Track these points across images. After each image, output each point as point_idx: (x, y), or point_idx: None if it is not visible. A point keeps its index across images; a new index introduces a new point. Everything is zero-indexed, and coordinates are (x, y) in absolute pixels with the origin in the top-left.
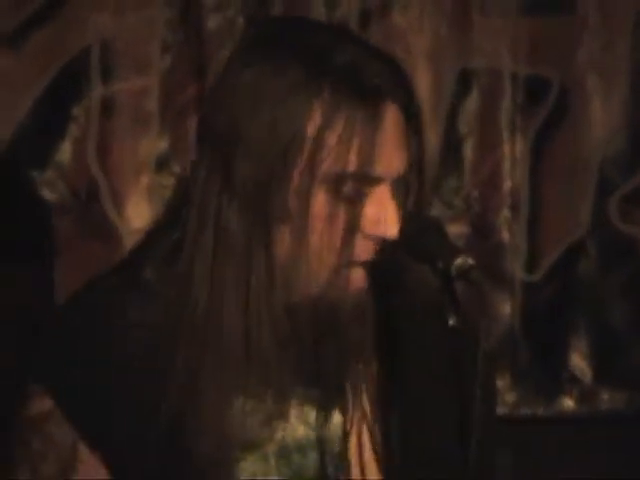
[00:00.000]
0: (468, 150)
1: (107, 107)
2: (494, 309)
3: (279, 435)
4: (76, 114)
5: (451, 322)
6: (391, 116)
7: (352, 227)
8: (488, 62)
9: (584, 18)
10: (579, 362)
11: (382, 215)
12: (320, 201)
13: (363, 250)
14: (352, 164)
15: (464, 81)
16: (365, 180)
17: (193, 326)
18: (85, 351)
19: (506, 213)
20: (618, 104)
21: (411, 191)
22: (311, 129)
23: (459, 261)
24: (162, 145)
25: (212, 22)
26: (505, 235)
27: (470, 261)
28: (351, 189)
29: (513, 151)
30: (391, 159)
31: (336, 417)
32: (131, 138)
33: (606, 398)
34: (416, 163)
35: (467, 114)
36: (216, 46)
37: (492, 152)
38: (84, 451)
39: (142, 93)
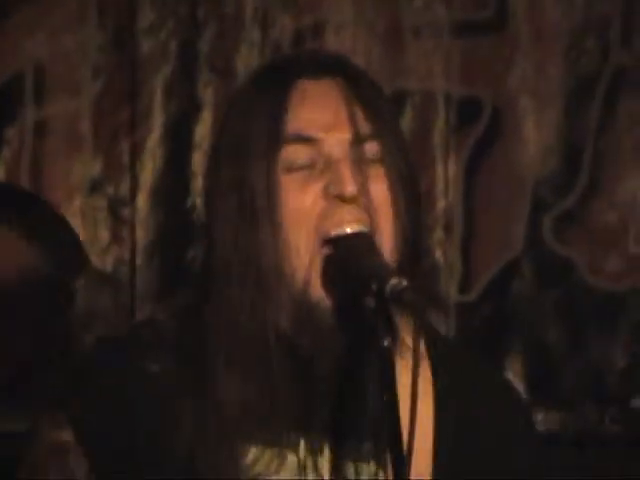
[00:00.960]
0: None
1: (40, 130)
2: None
3: None
4: (9, 137)
5: (385, 343)
6: (316, 88)
7: (312, 191)
8: (421, 83)
9: (516, 40)
10: (514, 381)
11: (335, 176)
12: (282, 180)
13: (337, 217)
14: (286, 130)
15: (398, 101)
16: (302, 140)
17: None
18: (107, 392)
19: (440, 233)
20: (551, 125)
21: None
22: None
23: (393, 282)
24: (95, 168)
25: (145, 46)
26: (439, 255)
27: (404, 282)
28: (299, 157)
29: (446, 171)
30: (322, 121)
31: (370, 469)
32: (64, 161)
33: (541, 418)
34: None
35: None
36: (149, 69)
37: (425, 172)
38: None
39: (75, 116)
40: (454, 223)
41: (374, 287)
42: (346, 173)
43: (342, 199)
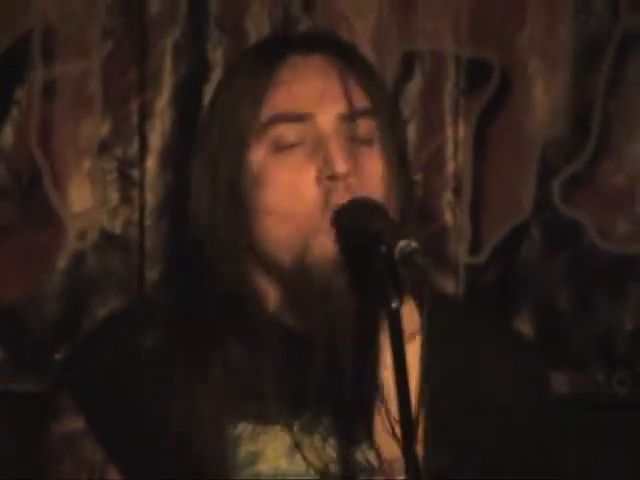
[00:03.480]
0: (411, 133)
1: (49, 91)
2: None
3: (301, 467)
4: (18, 98)
5: (394, 305)
6: (308, 63)
7: (303, 173)
8: (431, 45)
9: (525, 1)
10: None
11: (326, 156)
12: (266, 162)
13: (325, 195)
14: (273, 109)
15: (407, 64)
16: (292, 119)
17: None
18: (110, 373)
19: (449, 196)
20: (560, 87)
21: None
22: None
23: (402, 244)
24: (104, 129)
25: (154, 7)
26: (448, 218)
27: (414, 244)
28: (289, 135)
29: (456, 134)
30: (313, 95)
31: (365, 450)
32: (73, 122)
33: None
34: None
35: (410, 97)
36: (158, 31)
37: (435, 135)
38: (114, 472)
39: (84, 77)
40: (463, 186)
41: (383, 249)
42: (337, 151)
43: (334, 179)
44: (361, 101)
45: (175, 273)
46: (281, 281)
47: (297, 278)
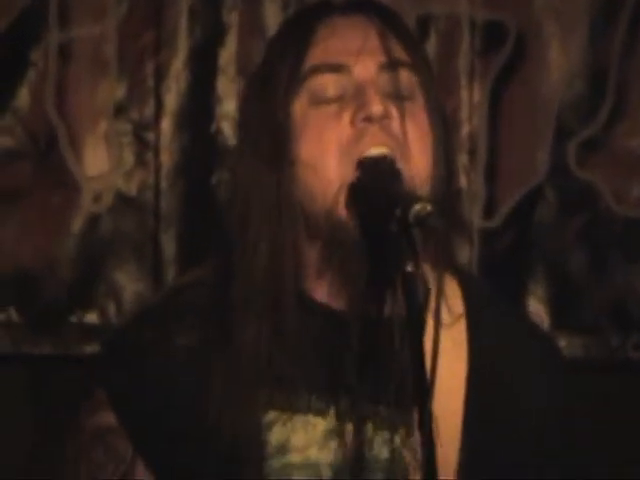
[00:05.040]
0: None
1: (65, 53)
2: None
3: (332, 456)
4: (34, 59)
5: (409, 269)
6: (347, 22)
7: (339, 117)
8: (446, 7)
9: None
10: (537, 308)
11: (363, 99)
12: (305, 113)
13: (364, 140)
14: (312, 60)
15: (422, 26)
16: (331, 69)
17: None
18: (141, 371)
19: (464, 159)
20: (576, 49)
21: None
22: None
23: (417, 207)
24: (120, 91)
25: None
26: (463, 181)
27: (429, 207)
28: (328, 89)
29: (471, 96)
30: (351, 47)
31: (401, 437)
32: (89, 84)
33: (564, 344)
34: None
35: None
36: None
37: (450, 98)
38: (141, 467)
39: (99, 39)
40: (478, 149)
41: (398, 212)
42: (373, 95)
43: (369, 120)
44: (402, 54)
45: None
46: (317, 241)
47: (330, 235)
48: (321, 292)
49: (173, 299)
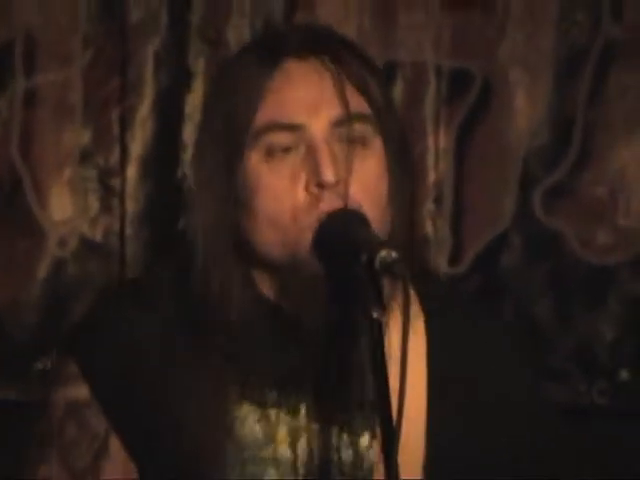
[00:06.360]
0: None
1: (30, 99)
2: None
3: (302, 453)
4: None
5: (375, 315)
6: (302, 68)
7: (293, 179)
8: (412, 54)
9: (506, 11)
10: None
11: (316, 164)
12: (258, 168)
13: (314, 202)
14: (265, 116)
15: (389, 73)
16: (284, 127)
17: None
18: (112, 347)
19: (430, 206)
20: (541, 97)
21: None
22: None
23: (383, 254)
24: (85, 138)
25: (135, 16)
26: (429, 228)
27: (394, 254)
28: (280, 142)
29: (437, 143)
30: (305, 102)
31: (366, 440)
32: (54, 130)
33: None
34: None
35: None
36: (139, 39)
37: (416, 144)
38: (115, 442)
39: (65, 85)
40: (444, 195)
41: (364, 258)
42: (325, 159)
43: (322, 187)
44: (357, 105)
45: (170, 260)
46: (275, 274)
47: (290, 271)
48: (274, 294)
49: (140, 283)
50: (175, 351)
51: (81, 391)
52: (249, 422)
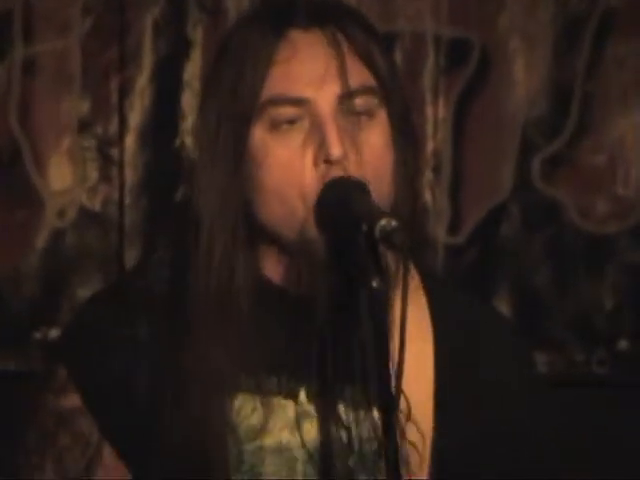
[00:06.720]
0: None
1: (29, 68)
2: None
3: (305, 438)
4: None
5: (375, 284)
6: (306, 40)
7: (300, 152)
8: (411, 25)
9: None
10: None
11: (322, 138)
12: (264, 139)
13: (322, 178)
14: (271, 89)
15: (388, 44)
16: (290, 101)
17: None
18: (102, 355)
19: (428, 175)
20: (540, 66)
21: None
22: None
23: (383, 223)
24: (84, 107)
25: None
26: (428, 197)
27: (394, 223)
28: (286, 114)
29: (436, 113)
30: (310, 77)
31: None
32: (53, 100)
33: None
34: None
35: None
36: (138, 8)
37: (415, 114)
38: (108, 450)
39: (64, 55)
40: (443, 165)
41: (364, 227)
42: (332, 135)
43: (330, 163)
44: (360, 77)
45: (162, 253)
46: (282, 254)
47: (301, 250)
48: (279, 276)
49: (132, 283)
50: (165, 353)
51: (73, 399)
52: (245, 412)
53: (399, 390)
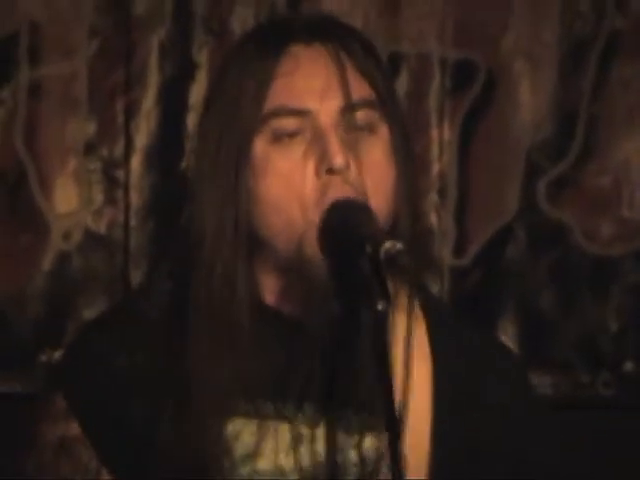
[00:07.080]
0: None
1: (35, 91)
2: None
3: (301, 462)
4: (3, 97)
5: (380, 307)
6: (308, 54)
7: (301, 164)
8: (417, 46)
9: (511, 3)
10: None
11: (324, 149)
12: (266, 152)
13: (323, 189)
14: (274, 102)
15: (393, 65)
16: (292, 112)
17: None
18: (97, 382)
19: (434, 197)
20: (545, 89)
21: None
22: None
23: (387, 245)
24: (90, 129)
25: (140, 6)
26: (433, 220)
27: (399, 246)
28: (288, 126)
29: (441, 135)
30: (312, 90)
31: (369, 441)
32: (59, 122)
33: (534, 383)
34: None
35: None
36: (143, 31)
37: (420, 136)
38: (107, 477)
39: (70, 77)
40: (448, 187)
41: (368, 250)
42: (334, 145)
43: (332, 172)
44: (361, 91)
45: (165, 272)
46: (279, 270)
47: (296, 268)
48: (275, 297)
49: (129, 307)
50: (162, 380)
51: (71, 427)
52: (244, 436)
53: (405, 414)
